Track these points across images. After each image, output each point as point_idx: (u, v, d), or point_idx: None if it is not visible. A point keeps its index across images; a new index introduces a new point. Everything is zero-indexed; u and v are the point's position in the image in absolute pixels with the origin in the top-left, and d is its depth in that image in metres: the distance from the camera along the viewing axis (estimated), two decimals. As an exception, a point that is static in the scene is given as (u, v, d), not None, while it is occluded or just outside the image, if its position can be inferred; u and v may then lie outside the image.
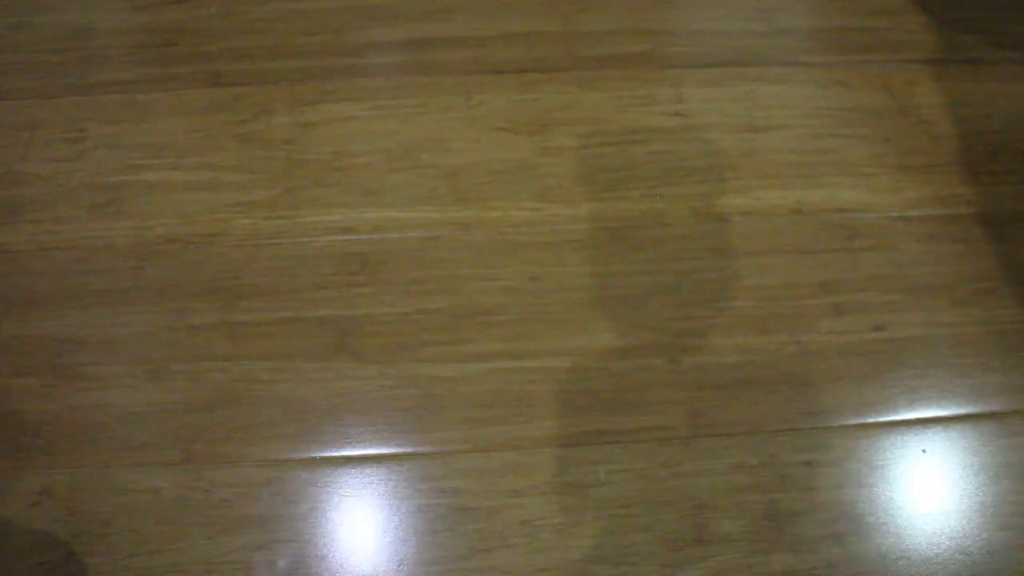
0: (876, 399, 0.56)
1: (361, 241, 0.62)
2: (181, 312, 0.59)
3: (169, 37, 0.74)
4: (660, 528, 0.50)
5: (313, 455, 0.53)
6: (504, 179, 0.65)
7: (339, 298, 0.59)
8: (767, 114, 0.70)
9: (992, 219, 0.64)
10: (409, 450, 0.53)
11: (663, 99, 0.71)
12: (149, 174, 0.66)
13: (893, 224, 0.64)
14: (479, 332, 0.58)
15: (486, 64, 0.72)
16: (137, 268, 0.61)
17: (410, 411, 0.55)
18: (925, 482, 0.53)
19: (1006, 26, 0.77)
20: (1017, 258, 0.62)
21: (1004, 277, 0.61)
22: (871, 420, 0.55)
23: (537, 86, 0.71)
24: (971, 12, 0.78)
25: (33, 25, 0.75)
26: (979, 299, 0.60)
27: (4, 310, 0.59)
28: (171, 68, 0.72)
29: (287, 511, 0.51)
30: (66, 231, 0.62)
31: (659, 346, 0.57)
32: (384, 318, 0.58)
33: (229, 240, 0.62)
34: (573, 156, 0.67)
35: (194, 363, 0.56)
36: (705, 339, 0.58)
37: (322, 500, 0.52)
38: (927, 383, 0.57)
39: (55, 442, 0.53)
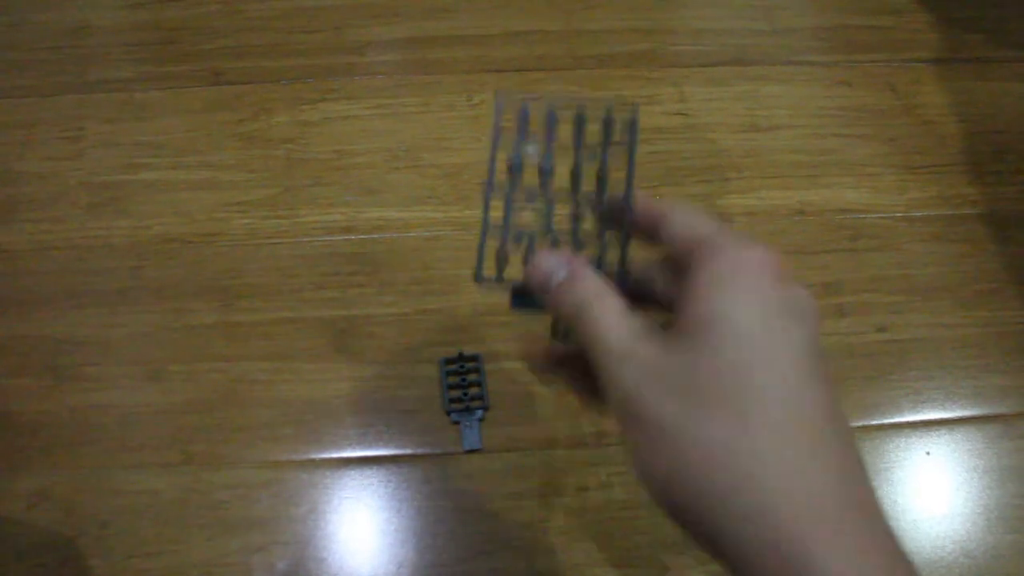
0: (880, 401, 0.56)
1: (361, 241, 0.62)
2: (180, 312, 0.58)
3: (168, 35, 0.74)
4: (662, 531, 0.50)
5: (313, 456, 0.53)
6: (505, 178, 0.65)
7: (339, 298, 0.59)
8: (770, 114, 0.70)
9: (997, 220, 0.64)
10: (409, 452, 0.53)
11: (665, 98, 0.70)
12: (148, 173, 0.65)
13: (897, 225, 0.64)
14: (480, 332, 0.57)
15: (487, 63, 0.72)
16: (135, 268, 0.60)
17: (410, 412, 0.54)
18: (929, 485, 0.53)
19: (1012, 24, 0.77)
20: (1023, 259, 0.62)
21: (1009, 278, 0.61)
22: (875, 422, 0.55)
23: (539, 85, 0.70)
24: (977, 11, 0.78)
25: (31, 23, 0.75)
26: (984, 300, 0.60)
27: (1, 310, 0.58)
28: (170, 66, 0.72)
29: (286, 513, 0.51)
30: (64, 230, 0.62)
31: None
32: (384, 318, 0.58)
33: (228, 240, 0.62)
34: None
35: (193, 363, 0.56)
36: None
37: (322, 502, 0.51)
38: (931, 385, 0.56)
39: (52, 443, 0.53)
